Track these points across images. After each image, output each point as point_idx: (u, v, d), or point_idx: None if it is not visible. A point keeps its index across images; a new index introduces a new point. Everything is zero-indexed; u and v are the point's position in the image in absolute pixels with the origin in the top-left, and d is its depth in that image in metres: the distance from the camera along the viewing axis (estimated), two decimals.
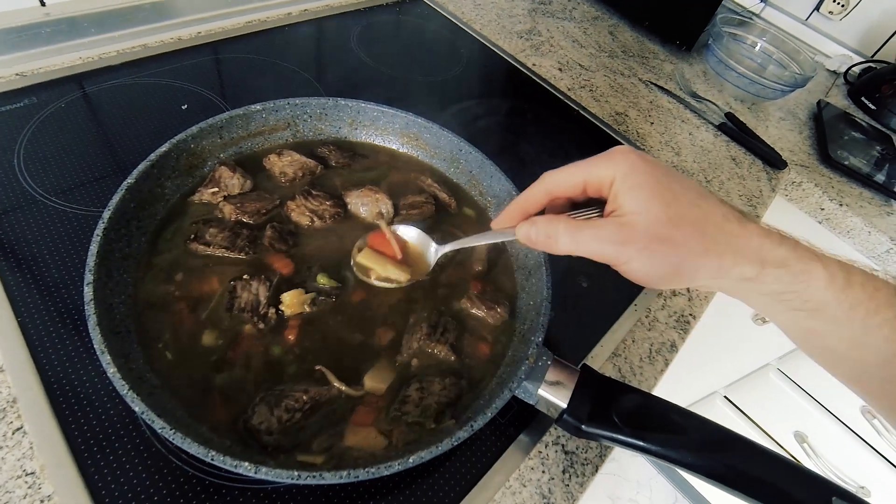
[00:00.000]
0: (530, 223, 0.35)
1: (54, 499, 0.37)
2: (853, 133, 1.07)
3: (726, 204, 0.33)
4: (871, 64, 1.26)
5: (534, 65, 0.96)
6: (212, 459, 0.33)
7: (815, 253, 0.31)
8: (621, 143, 0.85)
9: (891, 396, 0.32)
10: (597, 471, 0.48)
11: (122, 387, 0.35)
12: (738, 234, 0.31)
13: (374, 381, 0.43)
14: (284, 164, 0.55)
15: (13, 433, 0.39)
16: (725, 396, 1.43)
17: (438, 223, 0.57)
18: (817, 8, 1.30)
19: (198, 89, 0.70)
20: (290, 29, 0.86)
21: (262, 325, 0.44)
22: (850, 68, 1.26)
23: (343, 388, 0.42)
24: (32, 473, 0.38)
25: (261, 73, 0.77)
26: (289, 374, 0.42)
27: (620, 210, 0.32)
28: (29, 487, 0.37)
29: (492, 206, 0.59)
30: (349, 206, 0.54)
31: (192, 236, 0.48)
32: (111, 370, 0.35)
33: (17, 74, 0.65)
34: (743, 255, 0.31)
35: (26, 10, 0.68)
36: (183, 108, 0.67)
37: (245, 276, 0.46)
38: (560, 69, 0.98)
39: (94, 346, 0.36)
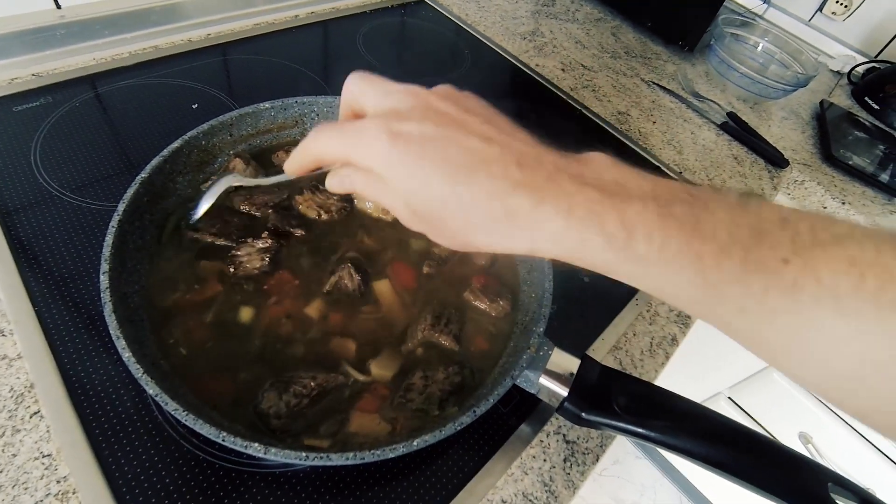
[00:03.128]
0: (333, 174, 0.33)
1: (70, 480, 0.38)
2: (856, 132, 1.07)
3: (502, 168, 0.27)
4: (874, 64, 1.26)
5: (537, 65, 0.97)
6: (223, 441, 0.34)
7: (594, 214, 0.26)
8: (624, 143, 0.86)
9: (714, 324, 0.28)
10: (598, 460, 0.49)
11: (136, 370, 0.36)
12: (502, 216, 0.27)
13: (381, 369, 0.44)
14: None
15: (31, 417, 0.41)
16: (730, 397, 1.43)
17: None
18: (820, 9, 1.31)
19: (208, 89, 0.72)
20: (298, 31, 0.88)
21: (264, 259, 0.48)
22: (853, 68, 1.26)
23: (353, 372, 0.43)
24: (49, 455, 0.39)
25: (269, 73, 0.78)
26: (297, 357, 0.44)
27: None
28: (46, 469, 0.39)
29: None
30: (355, 202, 0.56)
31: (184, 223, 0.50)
32: (126, 354, 0.36)
33: (32, 75, 0.67)
34: (511, 236, 0.28)
35: (42, 12, 0.70)
36: (193, 107, 0.69)
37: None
38: (563, 69, 0.99)
39: (111, 332, 0.38)
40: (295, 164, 0.34)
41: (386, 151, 0.28)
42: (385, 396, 0.43)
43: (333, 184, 0.33)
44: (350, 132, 0.29)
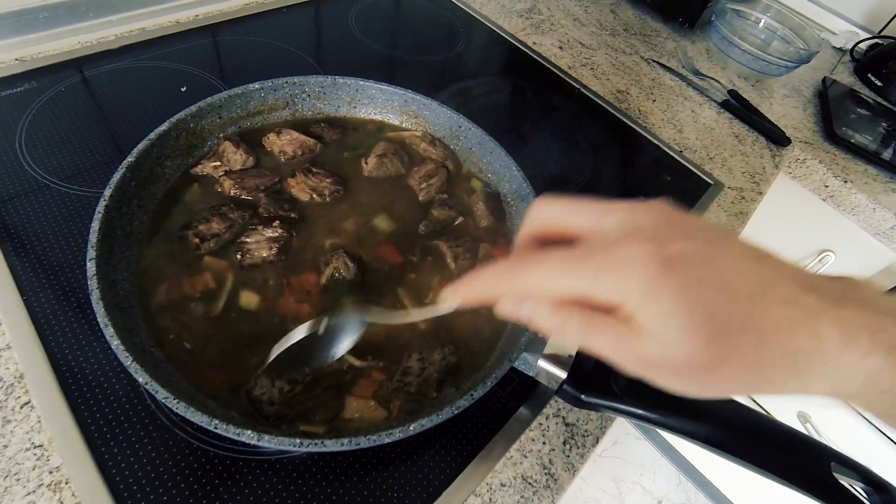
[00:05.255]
0: (523, 303, 0.26)
1: (62, 470, 0.38)
2: (859, 110, 1.05)
3: (791, 293, 0.23)
4: (877, 40, 1.24)
5: (534, 43, 0.95)
6: (215, 428, 0.34)
7: None
8: (623, 122, 0.84)
9: None
10: (597, 442, 0.48)
11: (125, 358, 0.35)
12: (808, 350, 0.22)
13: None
14: (284, 143, 0.56)
15: (21, 407, 0.40)
16: None
17: (451, 188, 0.58)
18: None
19: (197, 71, 0.70)
20: (288, 10, 0.86)
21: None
22: (856, 45, 1.24)
23: (349, 357, 0.42)
24: (41, 446, 0.39)
25: (259, 54, 0.76)
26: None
27: (641, 328, 0.23)
28: (38, 459, 0.38)
29: (492, 183, 0.59)
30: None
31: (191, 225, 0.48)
32: (115, 342, 0.36)
33: (16, 59, 0.66)
34: (810, 376, 0.23)
35: None
36: (182, 90, 0.67)
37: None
38: (561, 48, 0.97)
39: (98, 320, 0.37)
40: (477, 294, 0.27)
41: (653, 281, 0.22)
42: (380, 381, 0.43)
43: (508, 310, 0.27)
44: (595, 259, 0.23)
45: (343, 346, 0.39)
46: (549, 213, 0.28)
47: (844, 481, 0.37)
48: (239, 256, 0.47)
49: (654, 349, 0.23)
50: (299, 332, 0.38)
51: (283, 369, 0.39)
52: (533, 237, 0.29)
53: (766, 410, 1.35)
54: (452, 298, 0.28)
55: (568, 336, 0.25)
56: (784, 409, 1.31)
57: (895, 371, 0.22)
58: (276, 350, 0.38)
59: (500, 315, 0.27)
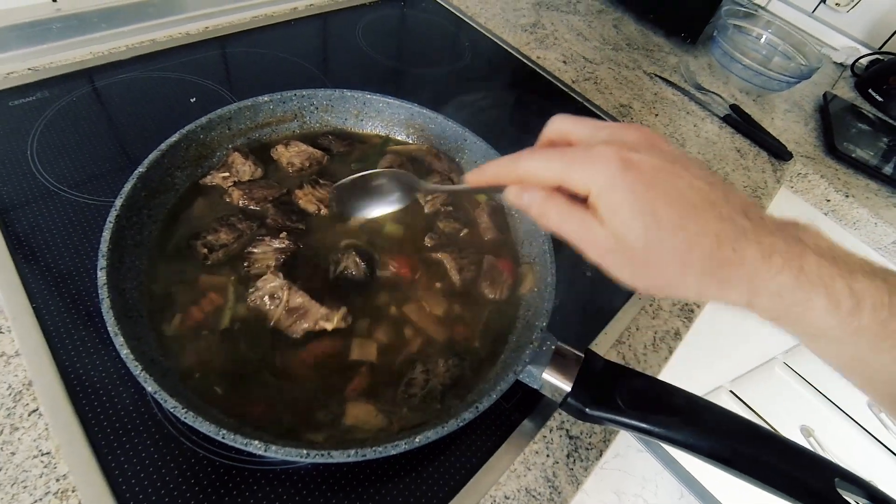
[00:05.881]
0: (522, 189, 0.32)
1: (69, 478, 0.38)
2: (860, 125, 1.06)
3: (730, 213, 0.27)
4: (878, 56, 1.25)
5: (538, 57, 0.96)
6: (223, 438, 0.34)
7: (823, 277, 0.26)
8: None
9: None
10: (601, 455, 0.48)
11: (135, 367, 0.35)
12: (729, 261, 0.27)
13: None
14: (292, 155, 0.56)
15: (29, 415, 0.40)
16: (731, 391, 1.42)
17: (457, 200, 0.58)
18: (824, 0, 1.30)
19: (206, 83, 0.71)
20: (296, 23, 0.87)
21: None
22: (857, 60, 1.25)
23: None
24: (48, 453, 0.39)
25: (267, 66, 0.77)
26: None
27: (601, 217, 0.29)
28: (45, 467, 0.38)
29: (496, 195, 0.59)
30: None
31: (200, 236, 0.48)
32: (124, 351, 0.36)
33: (29, 69, 0.67)
34: (729, 285, 0.28)
35: (37, 5, 0.69)
36: (191, 101, 0.68)
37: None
38: (564, 62, 0.98)
39: (108, 329, 0.37)
40: (489, 176, 0.34)
41: (614, 175, 0.27)
42: (371, 378, 0.43)
43: (512, 197, 0.32)
44: (574, 153, 0.29)
45: (382, 207, 0.45)
46: (559, 126, 0.33)
47: (849, 497, 0.37)
48: (246, 265, 0.47)
49: (607, 235, 0.28)
50: (362, 173, 0.44)
51: (340, 199, 0.45)
52: (546, 144, 0.34)
53: (769, 424, 1.34)
54: (473, 179, 0.35)
55: (548, 220, 0.31)
56: (787, 423, 1.30)
57: (799, 290, 0.27)
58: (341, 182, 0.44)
59: (508, 201, 0.33)
